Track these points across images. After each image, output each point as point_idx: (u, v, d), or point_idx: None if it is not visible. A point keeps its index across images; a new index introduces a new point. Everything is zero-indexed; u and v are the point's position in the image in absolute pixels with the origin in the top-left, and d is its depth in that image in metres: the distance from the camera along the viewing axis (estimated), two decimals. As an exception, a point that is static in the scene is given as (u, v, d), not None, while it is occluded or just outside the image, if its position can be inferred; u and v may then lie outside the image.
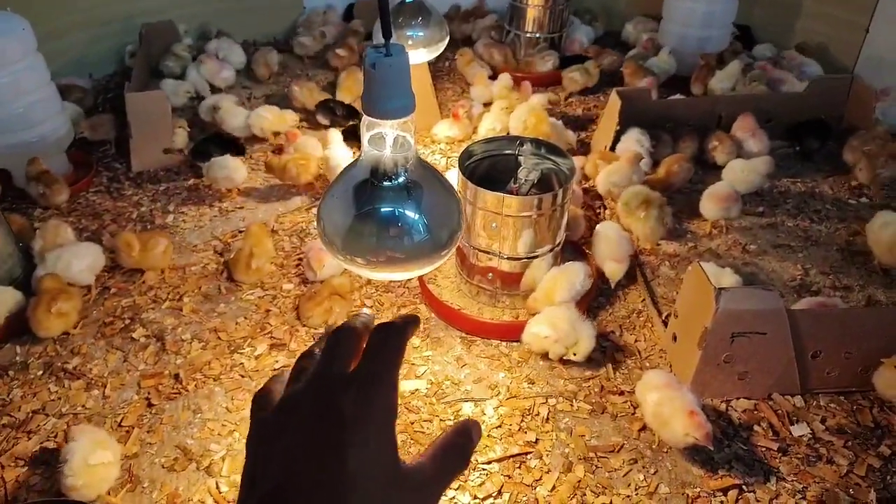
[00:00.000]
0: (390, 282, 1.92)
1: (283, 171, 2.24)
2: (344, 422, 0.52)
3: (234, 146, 2.42)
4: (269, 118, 2.57)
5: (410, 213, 0.91)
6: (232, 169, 2.25)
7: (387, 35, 0.82)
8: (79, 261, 1.82)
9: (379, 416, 0.54)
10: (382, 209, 0.92)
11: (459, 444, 0.59)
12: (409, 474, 0.54)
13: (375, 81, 0.84)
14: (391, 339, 0.59)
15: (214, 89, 2.92)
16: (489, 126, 2.52)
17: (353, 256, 0.93)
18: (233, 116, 2.55)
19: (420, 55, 2.05)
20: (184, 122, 2.52)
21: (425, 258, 0.93)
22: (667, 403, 1.41)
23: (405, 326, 0.61)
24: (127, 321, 1.79)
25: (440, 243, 0.93)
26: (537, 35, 3.17)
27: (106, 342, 1.73)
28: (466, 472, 1.41)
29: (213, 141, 2.43)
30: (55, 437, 1.48)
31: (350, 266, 0.95)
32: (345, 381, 0.55)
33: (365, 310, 0.62)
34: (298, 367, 0.60)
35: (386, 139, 0.89)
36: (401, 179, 0.89)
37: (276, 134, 2.58)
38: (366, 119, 0.89)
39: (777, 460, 1.43)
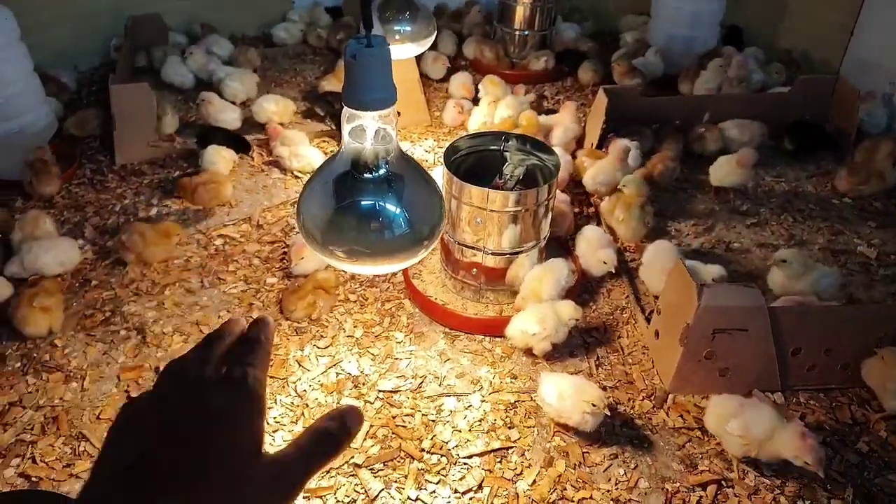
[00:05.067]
0: (374, 276, 1.92)
1: (193, 194, 2.15)
2: (204, 414, 0.54)
3: (240, 143, 2.41)
4: (274, 110, 2.56)
5: (391, 207, 0.91)
6: (218, 161, 2.25)
7: (367, 26, 0.82)
8: (48, 254, 1.81)
9: (242, 413, 0.56)
10: (363, 202, 0.91)
11: (328, 431, 0.58)
12: (267, 465, 0.55)
13: (356, 72, 0.84)
14: (256, 341, 0.62)
15: (201, 83, 2.90)
16: (480, 121, 2.52)
17: (333, 249, 0.93)
18: (220, 111, 2.53)
19: (408, 50, 2.03)
20: (172, 109, 2.50)
21: (406, 252, 0.93)
22: (755, 425, 1.36)
23: (265, 328, 0.65)
24: (108, 314, 1.77)
25: (421, 237, 0.92)
26: (526, 32, 3.17)
27: (86, 335, 1.71)
28: (447, 466, 1.41)
29: (220, 134, 2.42)
30: (31, 429, 1.47)
31: (330, 259, 0.94)
32: (212, 381, 0.57)
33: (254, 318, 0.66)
34: (168, 369, 0.61)
35: (367, 131, 0.89)
36: (381, 172, 0.89)
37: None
38: (346, 111, 0.88)
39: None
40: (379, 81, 0.83)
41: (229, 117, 2.54)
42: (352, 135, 0.88)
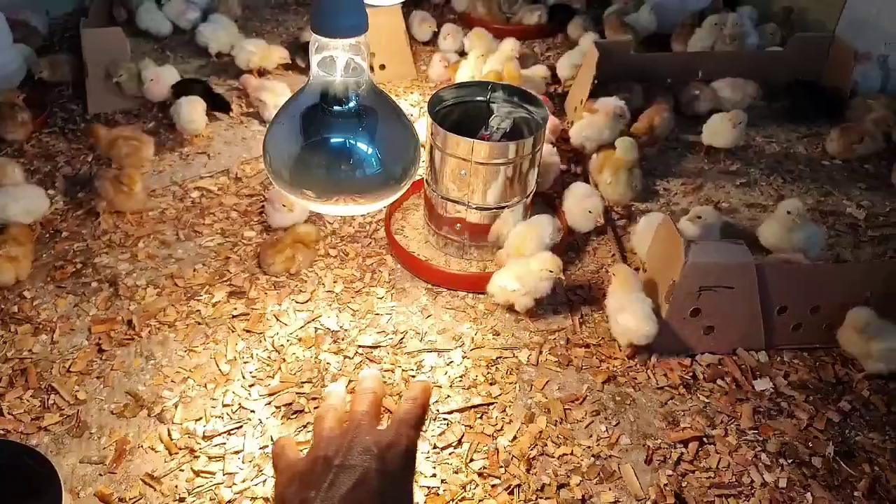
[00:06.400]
0: (342, 218, 1.87)
1: (110, 147, 1.97)
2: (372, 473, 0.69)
3: (219, 101, 2.30)
4: (255, 52, 2.46)
5: (362, 143, 0.86)
6: (197, 118, 2.15)
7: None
8: (16, 203, 1.73)
9: (403, 473, 0.72)
10: (332, 139, 0.86)
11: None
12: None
13: (325, -6, 0.78)
14: (415, 404, 0.80)
15: (178, 30, 2.79)
16: (468, 74, 2.45)
17: (302, 189, 0.88)
18: (167, 85, 2.26)
19: (392, -4, 1.96)
20: (149, 62, 2.37)
21: (378, 192, 0.88)
22: None
23: (425, 393, 0.82)
24: (79, 265, 1.72)
25: (394, 177, 0.88)
26: (517, -15, 3.07)
27: (56, 286, 1.66)
28: (427, 421, 1.39)
29: (199, 87, 2.28)
30: (-1, 381, 1.43)
31: (299, 199, 0.89)
32: (378, 447, 0.72)
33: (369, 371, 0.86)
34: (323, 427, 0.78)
35: (336, 62, 0.83)
36: (352, 104, 0.84)
37: (263, 72, 2.51)
38: (315, 39, 0.82)
39: (738, 414, 1.43)
40: (348, 6, 0.77)
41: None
42: (321, 66, 0.82)
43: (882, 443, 1.38)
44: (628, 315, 1.49)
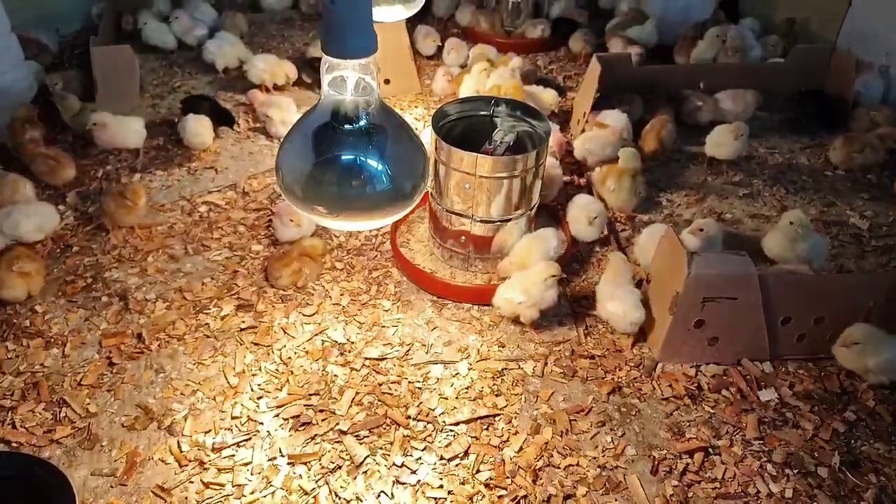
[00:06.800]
0: (351, 234, 1.89)
1: (32, 161, 1.99)
2: None
3: (225, 115, 2.35)
4: (264, 68, 2.51)
5: (372, 161, 0.88)
6: (203, 133, 2.19)
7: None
8: (28, 220, 1.76)
9: None
10: (343, 156, 0.89)
11: None
12: None
13: (334, 17, 0.80)
14: None
15: (184, 46, 2.84)
16: (471, 88, 2.47)
17: (313, 205, 0.90)
18: (118, 133, 2.15)
19: (397, 12, 1.98)
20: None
21: (389, 208, 0.90)
22: None
23: None
24: (89, 280, 1.74)
25: (404, 193, 0.90)
26: (519, 0, 3.10)
27: (67, 301, 1.68)
28: (433, 433, 1.40)
29: (206, 104, 2.33)
30: (11, 395, 1.44)
31: (311, 215, 0.92)
32: None
33: None
34: None
35: (347, 82, 0.86)
36: (362, 123, 0.86)
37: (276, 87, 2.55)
38: (325, 60, 0.85)
39: (744, 424, 1.44)
40: (358, 27, 0.79)
41: (132, 132, 2.17)
42: (331, 86, 0.84)
43: (888, 453, 1.39)
44: (616, 303, 1.56)
